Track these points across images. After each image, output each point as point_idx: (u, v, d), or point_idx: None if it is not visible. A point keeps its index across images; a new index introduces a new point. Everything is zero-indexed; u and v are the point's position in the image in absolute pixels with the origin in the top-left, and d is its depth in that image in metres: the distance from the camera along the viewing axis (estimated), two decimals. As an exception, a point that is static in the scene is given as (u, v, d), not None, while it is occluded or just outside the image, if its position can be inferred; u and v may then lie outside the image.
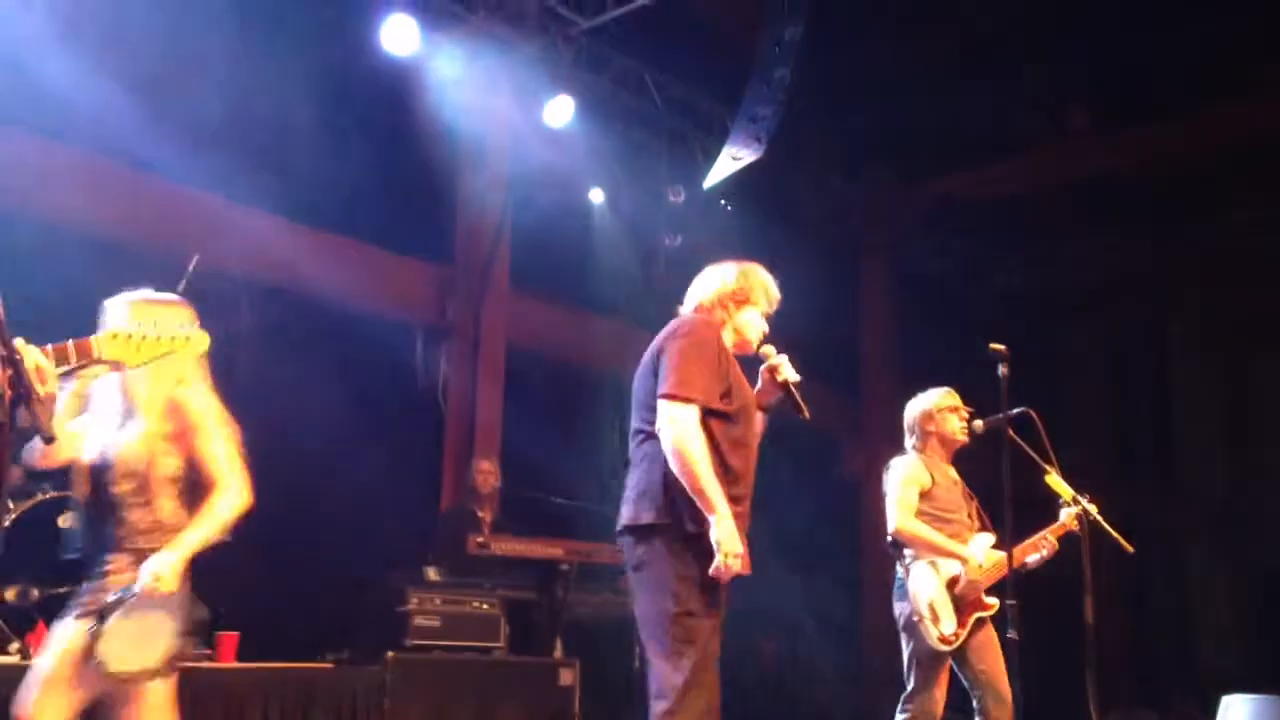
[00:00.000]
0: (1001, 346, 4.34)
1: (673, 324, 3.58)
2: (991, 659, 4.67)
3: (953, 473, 5.01)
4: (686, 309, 3.72)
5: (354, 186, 7.04)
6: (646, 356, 3.55)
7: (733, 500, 3.35)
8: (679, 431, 3.31)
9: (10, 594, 4.89)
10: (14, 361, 2.37)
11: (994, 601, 4.66)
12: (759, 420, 3.66)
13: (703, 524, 3.29)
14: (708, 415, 3.39)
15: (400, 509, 7.42)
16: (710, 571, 3.25)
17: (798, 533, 9.06)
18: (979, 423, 4.83)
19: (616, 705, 6.66)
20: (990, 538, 4.82)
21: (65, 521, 4.87)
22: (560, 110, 7.85)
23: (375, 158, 7.18)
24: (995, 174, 10.43)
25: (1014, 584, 4.31)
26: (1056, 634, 4.85)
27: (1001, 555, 4.52)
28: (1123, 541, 4.57)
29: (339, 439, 6.91)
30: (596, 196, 8.97)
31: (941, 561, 4.78)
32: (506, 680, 5.87)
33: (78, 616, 3.16)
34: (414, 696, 5.44)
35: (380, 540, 6.95)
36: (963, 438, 4.94)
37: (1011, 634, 4.29)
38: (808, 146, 9.38)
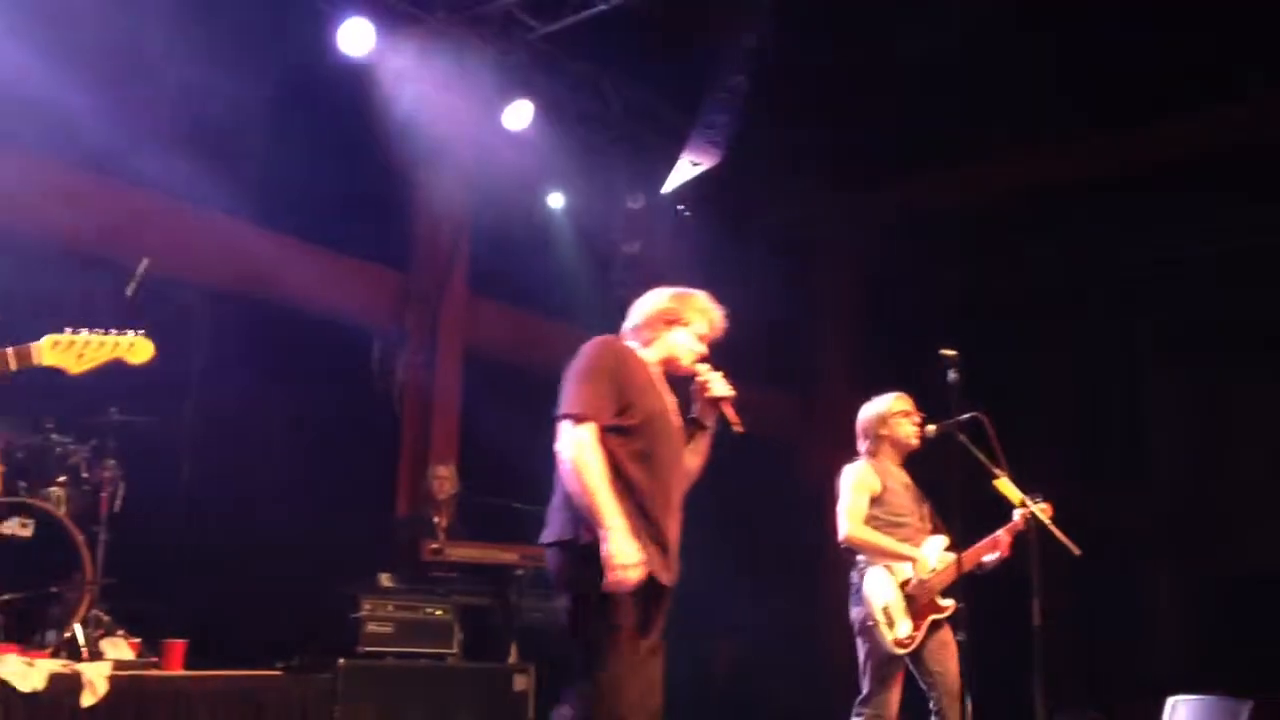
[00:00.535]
0: (952, 352, 4.38)
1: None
2: (948, 661, 4.71)
3: (905, 477, 5.05)
4: (625, 328, 3.87)
5: (310, 190, 6.99)
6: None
7: (639, 512, 3.46)
8: (570, 450, 3.45)
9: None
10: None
11: (949, 604, 4.71)
12: (701, 440, 3.81)
13: (586, 540, 3.39)
14: (606, 431, 3.51)
15: (355, 515, 7.37)
16: (603, 586, 3.32)
17: (755, 538, 9.09)
18: (931, 427, 4.88)
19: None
20: (944, 540, 4.86)
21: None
22: (519, 114, 7.84)
23: (332, 161, 7.13)
24: (955, 179, 10.51)
25: (964, 586, 4.35)
26: (1006, 635, 4.89)
27: (954, 558, 4.56)
28: (1070, 544, 4.61)
29: (293, 445, 6.87)
30: (555, 201, 8.97)
31: (896, 565, 4.83)
32: (460, 686, 5.84)
33: None
34: (366, 703, 5.39)
35: (335, 547, 6.89)
36: (914, 442, 5.00)
37: (960, 635, 4.33)
38: (765, 153, 9.41)
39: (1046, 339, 11.30)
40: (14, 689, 4.29)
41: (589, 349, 3.67)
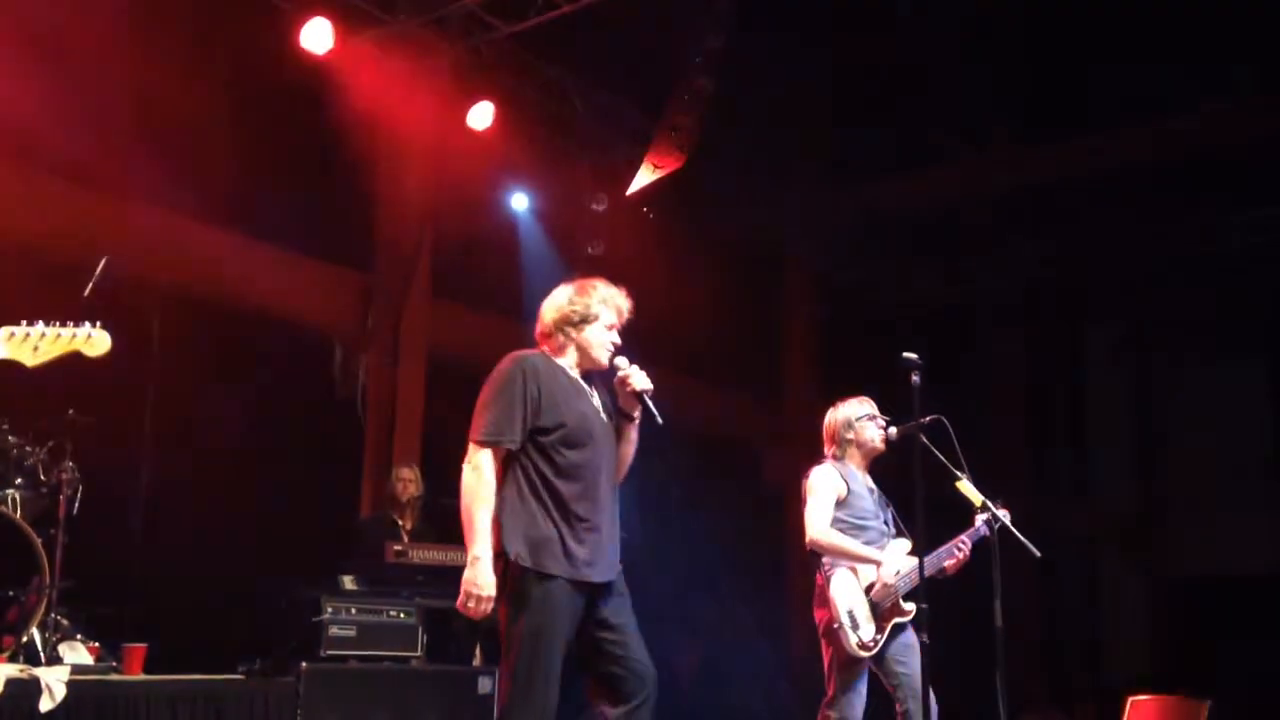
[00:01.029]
0: (913, 355, 4.40)
1: None
2: (912, 662, 4.74)
3: (870, 481, 5.08)
4: (535, 335, 3.85)
5: (271, 190, 6.95)
6: None
7: (566, 519, 3.55)
8: (467, 474, 3.55)
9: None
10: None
11: (911, 607, 4.73)
12: (629, 430, 3.79)
13: (513, 553, 3.50)
14: (525, 449, 3.59)
15: (318, 519, 7.32)
16: (456, 605, 3.49)
17: (721, 541, 9.10)
18: (893, 430, 4.92)
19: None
20: (906, 544, 4.89)
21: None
22: (482, 115, 7.82)
23: (293, 162, 7.09)
24: (917, 184, 10.60)
25: (926, 588, 4.38)
26: (969, 637, 4.94)
27: (916, 562, 4.59)
28: (1031, 547, 4.65)
29: (254, 448, 6.81)
30: (519, 203, 8.95)
31: (861, 568, 4.86)
32: (424, 689, 5.81)
33: None
34: (329, 707, 5.35)
35: (297, 551, 6.84)
36: (880, 446, 5.04)
37: (923, 637, 4.36)
38: (730, 155, 9.44)
39: (999, 342, 11.45)
40: (-30, 695, 4.23)
41: (498, 369, 3.67)
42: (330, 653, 5.58)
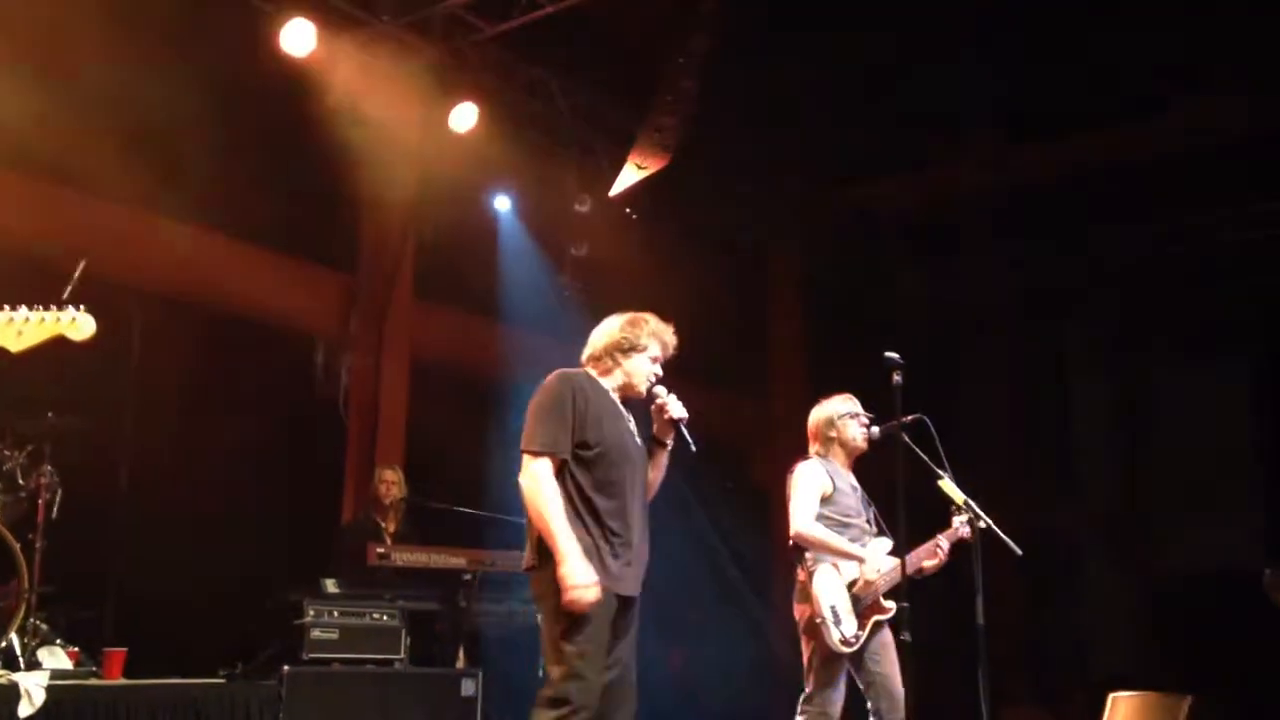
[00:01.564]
0: (895, 355, 4.41)
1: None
2: (888, 663, 4.76)
3: (854, 479, 5.10)
4: (582, 357, 4.10)
5: (253, 192, 6.92)
6: None
7: (603, 534, 3.78)
8: (528, 483, 3.77)
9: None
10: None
11: (891, 605, 4.75)
12: (660, 456, 4.05)
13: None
14: (569, 463, 3.81)
15: (301, 521, 7.30)
16: (562, 605, 3.63)
17: (707, 541, 9.10)
18: (875, 429, 4.94)
19: (520, 715, 6.60)
20: (888, 542, 4.91)
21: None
22: (465, 116, 7.79)
23: (275, 163, 7.07)
24: (903, 185, 10.62)
25: (908, 586, 4.39)
26: (951, 635, 4.95)
27: (897, 560, 4.61)
28: (1012, 545, 4.67)
29: (236, 450, 6.77)
30: (503, 204, 8.93)
31: (843, 564, 4.87)
32: (407, 692, 5.79)
33: None
34: (311, 711, 5.33)
35: (280, 554, 6.82)
36: (863, 445, 5.06)
37: (904, 635, 4.37)
38: (715, 156, 9.44)
39: (982, 344, 11.49)
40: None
41: (547, 384, 3.91)
42: (313, 656, 5.56)
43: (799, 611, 4.89)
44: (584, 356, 4.09)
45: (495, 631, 6.72)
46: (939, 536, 4.85)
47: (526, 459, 3.79)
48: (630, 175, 8.40)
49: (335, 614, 5.70)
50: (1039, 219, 10.29)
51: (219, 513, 6.63)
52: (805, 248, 11.10)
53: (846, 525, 4.93)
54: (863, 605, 4.80)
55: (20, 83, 5.81)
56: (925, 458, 4.57)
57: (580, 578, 3.62)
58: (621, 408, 4.01)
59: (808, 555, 4.92)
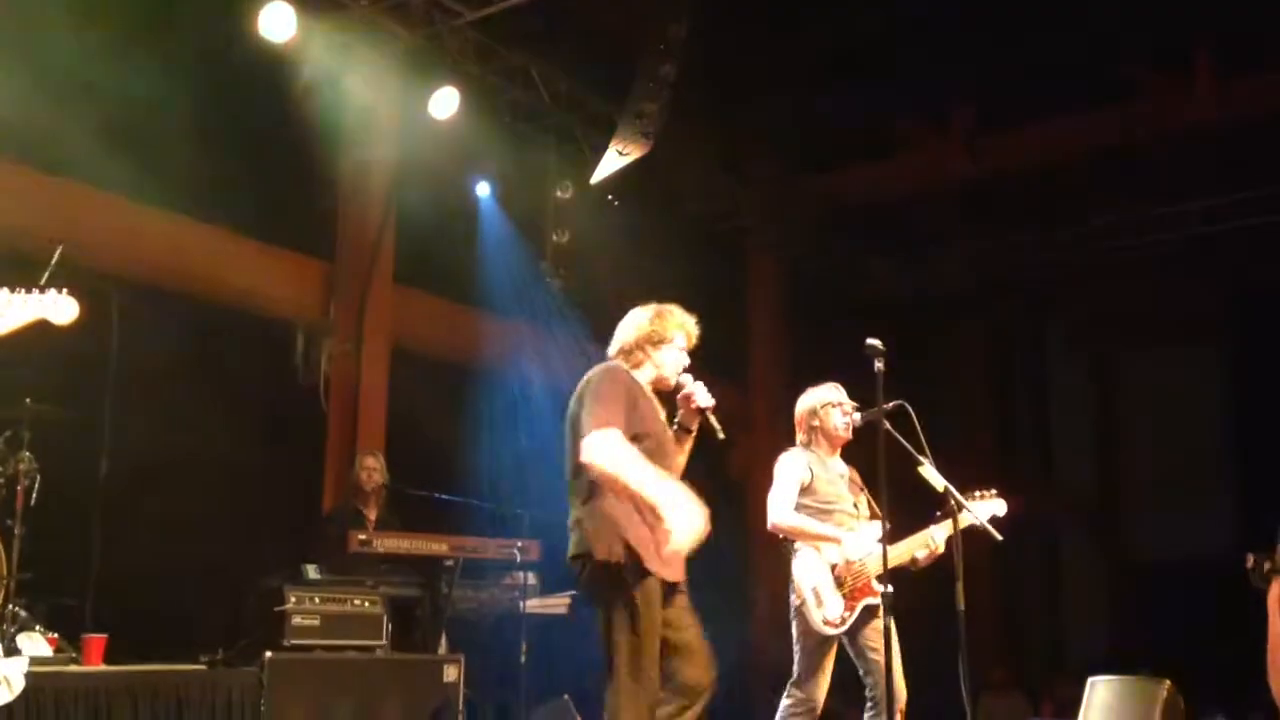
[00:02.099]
0: (877, 342, 4.44)
1: (588, 374, 3.97)
2: (885, 650, 4.77)
3: (839, 466, 5.13)
4: (611, 351, 4.10)
5: (231, 178, 6.87)
6: (572, 403, 3.90)
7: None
8: (604, 454, 3.67)
9: None
10: None
11: (880, 588, 4.76)
12: (685, 442, 4.10)
13: (615, 552, 3.69)
14: None
15: (281, 508, 7.28)
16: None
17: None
18: (857, 416, 4.96)
19: (502, 701, 6.63)
20: (879, 528, 4.92)
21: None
22: (446, 102, 7.76)
23: (254, 149, 7.02)
24: (881, 173, 10.66)
25: (891, 571, 4.42)
26: (932, 620, 4.99)
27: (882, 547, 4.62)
28: (993, 531, 4.71)
29: (216, 437, 6.75)
30: (483, 191, 8.91)
31: (825, 547, 4.91)
32: (389, 678, 5.78)
33: None
34: (293, 697, 5.31)
35: (261, 541, 6.80)
36: (845, 434, 5.08)
37: (887, 620, 4.40)
38: (694, 143, 9.44)
39: (961, 332, 11.56)
40: (-74, 687, 4.18)
41: (602, 375, 3.91)
42: (294, 642, 5.53)
43: (791, 599, 4.94)
44: (612, 350, 4.10)
45: (477, 617, 6.73)
46: (932, 530, 4.88)
47: (595, 434, 3.70)
48: (611, 162, 8.38)
49: (317, 600, 5.68)
50: (1014, 208, 10.37)
51: (199, 499, 6.59)
52: (784, 236, 11.10)
53: (829, 512, 4.97)
54: (848, 586, 4.83)
55: (4, 73, 5.75)
56: (907, 444, 4.59)
57: (692, 521, 3.61)
58: (655, 399, 4.04)
59: (794, 544, 4.96)
